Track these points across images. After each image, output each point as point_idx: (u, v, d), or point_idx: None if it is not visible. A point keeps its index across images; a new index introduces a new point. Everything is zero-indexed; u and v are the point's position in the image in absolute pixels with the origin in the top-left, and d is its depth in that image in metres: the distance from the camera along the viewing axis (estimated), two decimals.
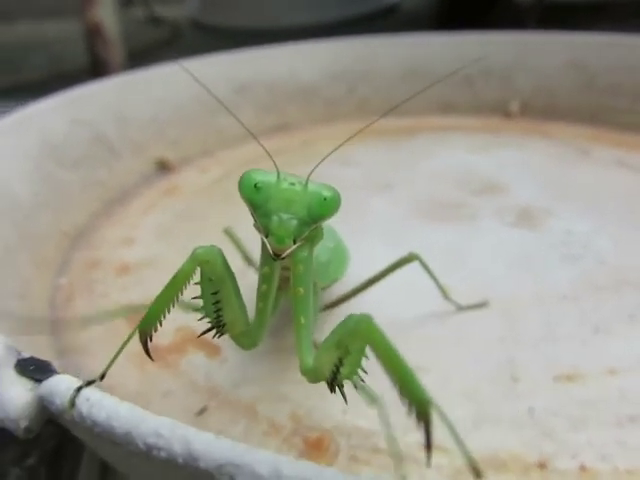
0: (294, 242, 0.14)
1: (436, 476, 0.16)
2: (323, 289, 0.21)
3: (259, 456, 0.09)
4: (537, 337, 0.21)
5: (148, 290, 0.23)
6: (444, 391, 0.19)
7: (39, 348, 0.20)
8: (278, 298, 0.17)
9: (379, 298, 0.21)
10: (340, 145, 0.16)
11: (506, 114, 0.49)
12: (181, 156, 0.42)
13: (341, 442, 0.17)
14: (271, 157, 0.15)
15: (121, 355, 0.22)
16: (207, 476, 0.09)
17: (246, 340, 0.16)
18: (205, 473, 0.09)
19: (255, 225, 0.15)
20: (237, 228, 0.25)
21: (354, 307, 0.20)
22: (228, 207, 0.33)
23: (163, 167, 0.40)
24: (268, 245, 0.14)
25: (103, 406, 0.10)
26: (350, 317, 0.14)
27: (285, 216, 0.14)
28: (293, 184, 0.15)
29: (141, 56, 0.93)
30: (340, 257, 0.22)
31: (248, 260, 0.23)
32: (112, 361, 0.16)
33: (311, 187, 0.15)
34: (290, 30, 0.96)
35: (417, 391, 0.13)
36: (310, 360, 0.16)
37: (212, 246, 0.16)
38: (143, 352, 0.21)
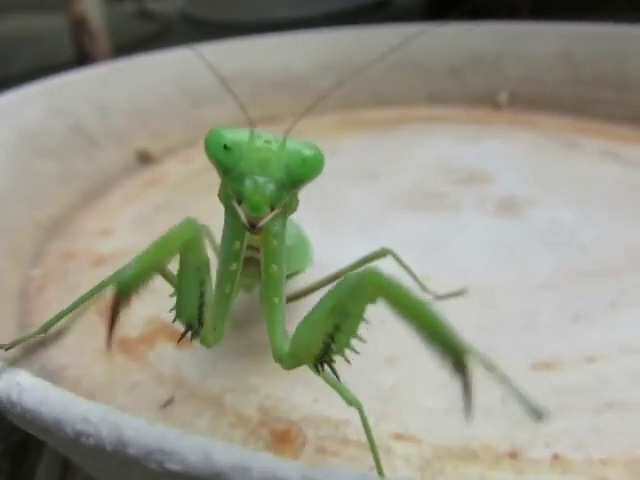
0: (271, 209, 0.12)
1: (405, 467, 0.16)
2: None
3: (189, 442, 0.08)
4: (516, 325, 0.21)
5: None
6: (418, 381, 0.18)
7: (3, 339, 0.20)
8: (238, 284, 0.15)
9: None
10: (305, 112, 0.14)
11: (494, 105, 0.48)
12: (164, 147, 0.41)
13: (309, 433, 0.17)
14: (245, 112, 0.14)
15: (89, 347, 0.21)
16: (136, 463, 0.08)
17: (210, 336, 0.15)
18: (134, 460, 0.08)
19: (220, 194, 0.14)
20: (217, 221, 0.24)
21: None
22: (209, 199, 0.33)
23: (145, 158, 0.40)
24: (241, 214, 0.12)
25: (34, 391, 0.10)
26: (349, 276, 0.12)
27: (260, 179, 0.12)
28: (269, 142, 0.13)
29: (131, 50, 0.92)
30: (303, 249, 0.21)
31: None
32: (56, 317, 0.15)
33: (290, 145, 0.13)
34: (280, 23, 0.95)
35: (451, 340, 0.11)
36: (285, 345, 0.14)
37: (203, 225, 0.14)
38: (113, 345, 0.21)
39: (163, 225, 0.30)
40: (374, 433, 0.15)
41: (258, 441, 0.17)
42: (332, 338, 0.13)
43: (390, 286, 0.11)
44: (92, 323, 0.22)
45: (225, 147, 0.13)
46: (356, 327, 0.13)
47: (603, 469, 0.15)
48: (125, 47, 0.96)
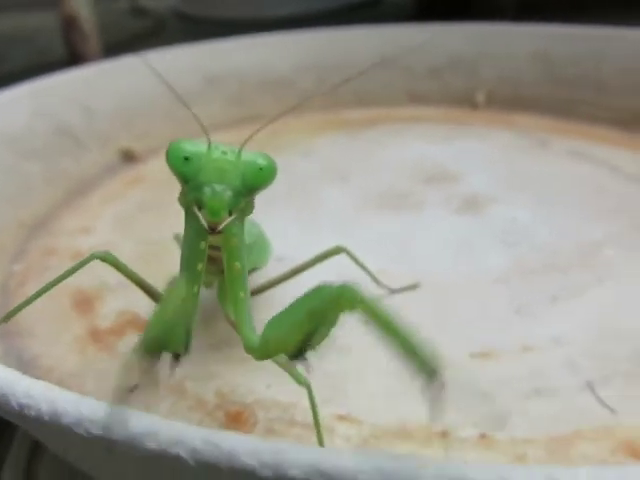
0: (229, 214, 0.14)
1: (345, 444, 0.17)
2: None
3: (112, 411, 0.10)
4: (462, 318, 0.22)
5: (97, 276, 0.24)
6: (365, 368, 0.20)
7: None
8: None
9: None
10: (272, 121, 0.16)
11: (472, 105, 0.49)
12: (147, 147, 0.42)
13: (260, 415, 0.18)
14: (201, 124, 0.15)
15: (64, 338, 0.23)
16: (69, 431, 0.10)
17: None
18: (67, 428, 0.10)
19: (181, 199, 0.15)
20: None
21: (284, 293, 0.21)
22: None
23: (129, 157, 0.41)
24: (202, 219, 0.14)
25: None
26: (325, 288, 0.13)
27: (219, 187, 0.14)
28: (225, 153, 0.14)
29: (124, 47, 0.93)
30: (262, 247, 0.22)
31: None
32: (17, 308, 0.16)
33: (245, 156, 0.14)
34: (274, 21, 0.96)
35: (422, 358, 0.12)
36: (255, 337, 0.15)
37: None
38: (86, 336, 0.22)
39: (140, 223, 0.32)
40: (320, 415, 0.16)
41: (214, 422, 0.18)
42: (309, 339, 0.14)
43: (367, 302, 0.12)
44: (67, 316, 0.24)
45: (185, 158, 0.14)
46: (330, 330, 0.14)
47: (524, 447, 0.17)
48: (118, 44, 0.97)
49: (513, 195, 0.32)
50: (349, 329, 0.21)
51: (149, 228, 0.31)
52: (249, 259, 0.19)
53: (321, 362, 0.20)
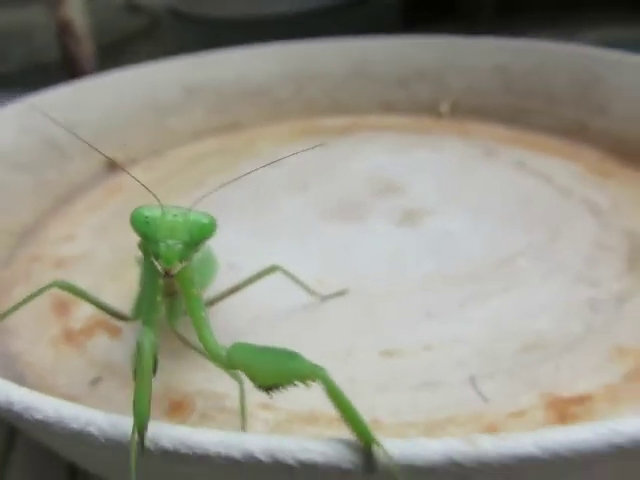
0: (180, 262, 0.17)
1: (262, 427, 0.21)
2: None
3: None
4: (379, 320, 0.26)
5: (77, 280, 0.28)
6: None
7: None
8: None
9: (261, 292, 0.25)
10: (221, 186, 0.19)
11: (437, 113, 0.53)
12: (130, 156, 0.46)
13: (198, 403, 0.22)
14: (150, 190, 0.18)
15: (43, 337, 0.27)
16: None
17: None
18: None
19: (141, 247, 0.18)
20: None
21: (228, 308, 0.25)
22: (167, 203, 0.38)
23: (112, 167, 0.45)
24: (159, 267, 0.17)
25: None
26: (300, 360, 0.16)
27: (171, 242, 0.17)
28: (176, 215, 0.17)
29: (119, 45, 0.95)
30: (209, 268, 0.26)
31: None
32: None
33: (191, 216, 0.17)
34: (270, 19, 0.99)
35: (365, 434, 0.15)
36: (220, 350, 0.18)
37: None
38: (61, 336, 0.26)
39: (117, 231, 0.36)
40: (246, 403, 0.20)
41: (159, 408, 0.22)
42: (274, 382, 0.17)
43: (334, 389, 0.15)
44: (46, 317, 0.28)
45: (145, 221, 0.17)
46: (289, 386, 0.16)
47: (407, 429, 0.21)
48: (113, 41, 0.99)
49: (450, 207, 0.36)
50: (286, 331, 0.26)
51: (123, 235, 0.35)
52: (199, 281, 0.23)
53: None
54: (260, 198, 0.38)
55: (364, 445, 0.14)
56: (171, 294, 0.20)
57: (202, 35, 1.01)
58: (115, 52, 0.93)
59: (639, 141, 0.42)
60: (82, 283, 0.29)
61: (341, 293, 0.27)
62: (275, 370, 0.17)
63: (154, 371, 0.17)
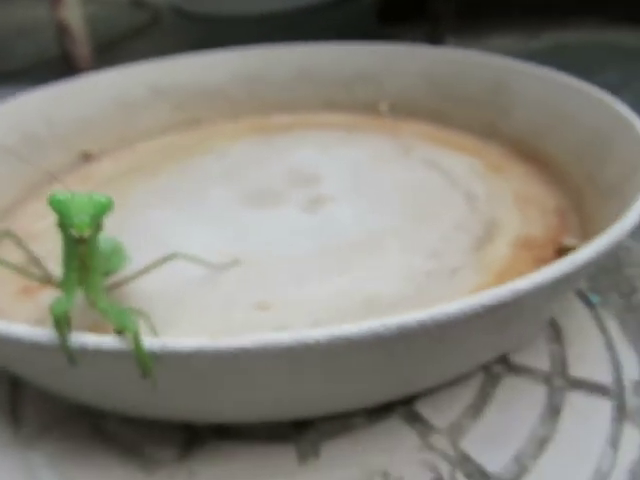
0: (89, 229, 0.22)
1: None
2: (105, 274, 0.30)
3: None
4: (260, 282, 0.34)
5: (39, 249, 0.36)
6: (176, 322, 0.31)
7: None
8: None
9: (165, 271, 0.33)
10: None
11: (376, 113, 0.60)
12: (102, 148, 0.54)
13: None
14: (59, 181, 0.26)
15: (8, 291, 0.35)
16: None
17: None
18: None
19: (59, 226, 0.24)
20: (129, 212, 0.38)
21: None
22: (126, 193, 0.46)
23: (86, 158, 0.53)
24: (74, 234, 0.22)
25: None
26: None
27: (81, 215, 0.22)
28: (82, 197, 0.23)
29: (121, 41, 1.03)
30: (118, 256, 0.32)
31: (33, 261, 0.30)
32: None
33: (94, 197, 0.23)
34: (267, 16, 1.06)
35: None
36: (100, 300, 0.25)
37: None
38: (21, 291, 0.35)
39: None
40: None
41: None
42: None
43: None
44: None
45: (60, 202, 0.23)
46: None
47: None
48: (116, 37, 1.07)
49: (349, 196, 0.43)
50: (181, 299, 0.33)
51: None
52: (106, 264, 0.30)
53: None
54: (193, 187, 0.45)
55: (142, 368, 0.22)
56: (83, 263, 0.25)
57: (200, 32, 1.09)
58: (116, 48, 1.01)
59: (535, 141, 0.49)
60: (41, 252, 0.37)
61: (234, 263, 0.35)
62: (118, 320, 0.23)
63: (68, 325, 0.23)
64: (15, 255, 0.32)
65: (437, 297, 0.33)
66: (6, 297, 0.34)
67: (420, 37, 0.92)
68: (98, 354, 0.22)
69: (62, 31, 0.82)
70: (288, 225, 0.40)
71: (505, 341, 0.27)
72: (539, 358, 0.29)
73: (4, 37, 1.10)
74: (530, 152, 0.49)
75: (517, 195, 0.43)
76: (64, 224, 0.23)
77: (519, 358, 0.30)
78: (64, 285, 0.25)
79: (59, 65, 0.83)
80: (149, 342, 0.21)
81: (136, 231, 0.40)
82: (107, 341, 0.22)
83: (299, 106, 0.62)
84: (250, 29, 1.00)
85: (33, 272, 0.29)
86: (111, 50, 0.99)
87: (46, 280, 0.29)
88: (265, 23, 1.04)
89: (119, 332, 0.23)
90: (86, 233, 0.22)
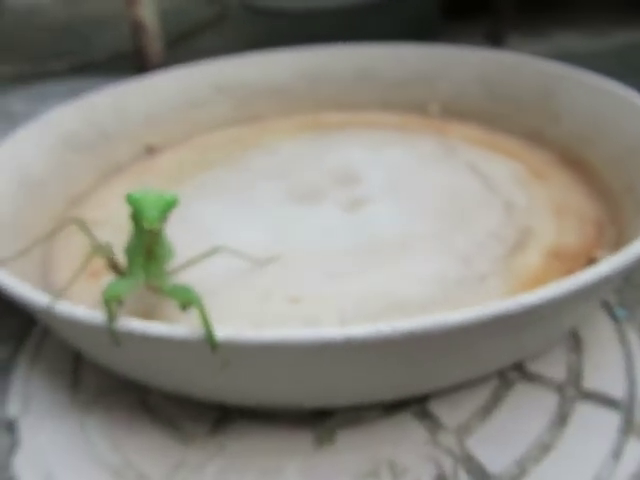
0: (159, 223, 0.26)
1: None
2: None
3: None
4: (296, 277, 0.36)
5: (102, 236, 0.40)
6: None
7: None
8: None
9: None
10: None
11: (427, 114, 0.61)
12: (165, 142, 0.59)
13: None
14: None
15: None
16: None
17: None
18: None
19: (132, 219, 0.27)
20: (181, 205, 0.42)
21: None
22: (182, 186, 0.49)
23: (150, 151, 0.58)
24: (146, 226, 0.25)
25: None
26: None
27: (153, 210, 0.25)
28: (154, 194, 0.26)
29: (191, 34, 1.07)
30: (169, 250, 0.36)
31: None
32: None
33: (163, 195, 0.26)
34: (329, 11, 1.08)
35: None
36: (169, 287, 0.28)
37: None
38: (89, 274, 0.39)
39: None
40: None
41: None
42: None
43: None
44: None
45: (136, 199, 0.26)
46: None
47: None
48: (186, 31, 1.12)
49: (389, 197, 0.45)
50: (221, 283, 0.37)
51: None
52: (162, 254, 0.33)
53: None
54: (243, 181, 0.49)
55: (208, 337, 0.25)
56: (150, 252, 0.28)
57: (267, 27, 1.12)
58: (185, 42, 1.06)
59: (580, 149, 0.49)
60: (105, 238, 0.42)
61: (276, 258, 0.38)
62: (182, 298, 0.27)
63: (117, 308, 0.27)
64: (82, 240, 0.36)
65: (464, 303, 0.34)
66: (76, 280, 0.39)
67: (482, 32, 0.91)
68: (145, 339, 0.25)
69: (136, 28, 0.87)
70: (327, 223, 0.42)
71: (520, 350, 0.28)
72: (555, 367, 0.30)
73: (84, 30, 1.17)
74: (574, 160, 0.49)
75: (556, 204, 0.43)
76: (137, 218, 0.26)
77: (535, 366, 0.31)
78: (129, 271, 0.29)
79: (133, 59, 0.88)
80: (221, 331, 0.24)
81: (186, 223, 0.43)
82: (153, 327, 0.25)
83: (354, 105, 0.64)
84: (316, 24, 1.02)
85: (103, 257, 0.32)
86: (180, 44, 1.04)
87: (112, 265, 0.32)
88: (331, 18, 1.05)
89: (185, 307, 0.26)
90: (156, 226, 0.25)
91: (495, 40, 0.88)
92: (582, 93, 0.49)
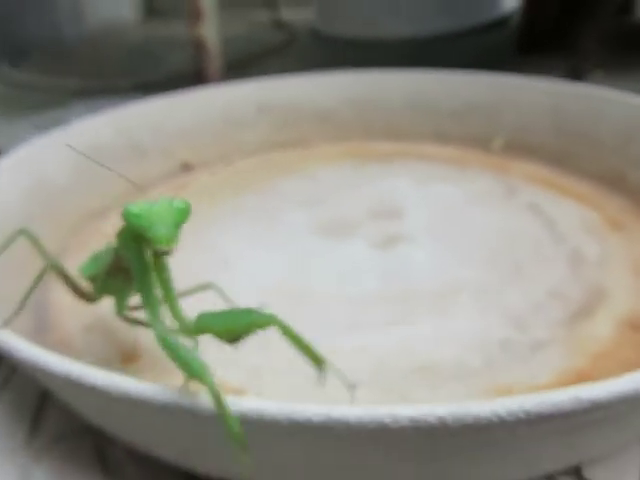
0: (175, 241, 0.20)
1: None
2: None
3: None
4: (308, 324, 0.31)
5: None
6: None
7: None
8: None
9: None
10: None
11: (488, 149, 0.55)
12: (202, 160, 0.55)
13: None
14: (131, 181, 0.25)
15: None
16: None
17: None
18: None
19: (122, 237, 0.23)
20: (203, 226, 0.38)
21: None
22: (212, 206, 0.46)
23: (186, 168, 0.55)
24: (159, 248, 0.19)
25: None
26: (256, 312, 0.21)
27: (166, 227, 0.20)
28: (161, 205, 0.20)
29: (256, 58, 1.07)
30: None
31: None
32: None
33: (174, 203, 0.20)
34: (404, 41, 1.05)
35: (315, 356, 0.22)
36: (188, 321, 0.22)
37: None
38: None
39: None
40: None
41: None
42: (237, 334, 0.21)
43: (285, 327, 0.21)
44: None
45: (137, 214, 0.20)
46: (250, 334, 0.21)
47: None
48: (252, 57, 1.11)
49: (429, 237, 0.39)
50: None
51: None
52: None
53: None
54: (272, 208, 0.44)
55: (316, 364, 0.21)
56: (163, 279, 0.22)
57: (333, 54, 1.10)
58: (250, 66, 1.05)
59: None
60: None
61: (265, 306, 0.32)
62: (238, 325, 0.21)
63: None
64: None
65: (510, 375, 0.27)
66: (64, 301, 0.35)
67: (562, 69, 0.84)
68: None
69: (198, 47, 0.86)
70: (354, 260, 0.37)
71: (573, 453, 0.21)
72: (623, 474, 0.23)
73: (156, 50, 1.19)
74: None
75: (636, 260, 0.35)
76: (145, 238, 0.20)
77: (597, 472, 0.23)
78: (147, 307, 0.22)
79: (193, 79, 0.87)
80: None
81: (202, 248, 0.39)
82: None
83: (405, 134, 0.58)
84: (384, 54, 0.99)
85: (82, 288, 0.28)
86: (245, 68, 1.03)
87: (72, 287, 0.27)
88: (401, 48, 1.02)
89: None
90: (173, 244, 0.19)
91: (576, 77, 0.81)
92: None
